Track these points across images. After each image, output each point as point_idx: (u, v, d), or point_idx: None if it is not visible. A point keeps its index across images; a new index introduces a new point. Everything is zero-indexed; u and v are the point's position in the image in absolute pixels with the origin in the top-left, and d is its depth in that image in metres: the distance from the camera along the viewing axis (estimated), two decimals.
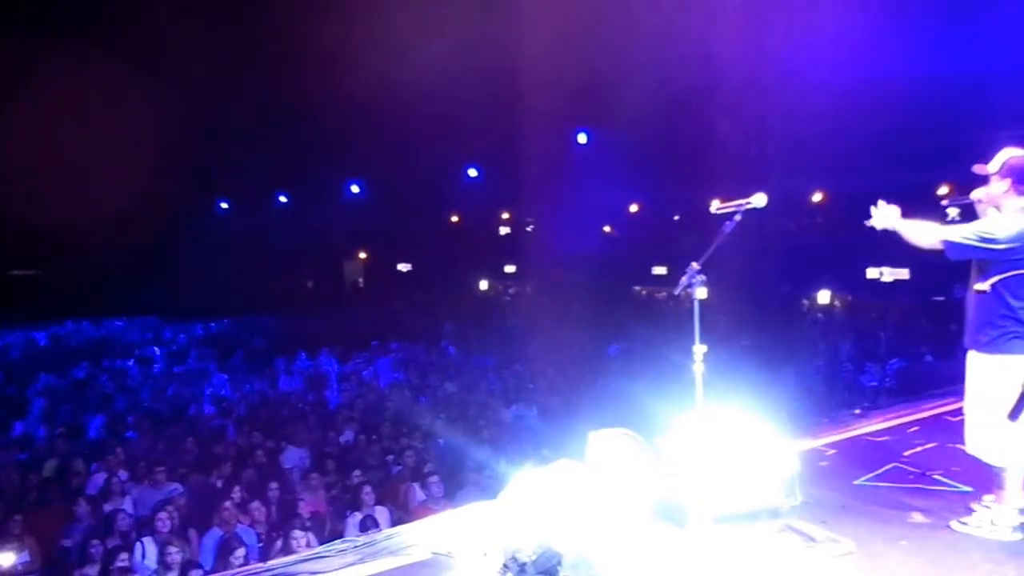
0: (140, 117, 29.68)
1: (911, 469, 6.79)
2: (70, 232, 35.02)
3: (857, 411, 8.92)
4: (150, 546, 9.02)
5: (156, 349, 26.25)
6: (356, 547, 5.39)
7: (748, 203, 5.21)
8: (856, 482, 6.48)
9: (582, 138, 32.35)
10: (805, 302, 28.45)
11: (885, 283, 30.10)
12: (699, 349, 5.31)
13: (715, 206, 5.39)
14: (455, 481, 10.81)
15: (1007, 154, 5.26)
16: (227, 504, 9.47)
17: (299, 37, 24.99)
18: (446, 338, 24.81)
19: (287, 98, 30.00)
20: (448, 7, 22.73)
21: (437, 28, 23.23)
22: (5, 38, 26.13)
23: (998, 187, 5.25)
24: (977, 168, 5.39)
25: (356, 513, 9.64)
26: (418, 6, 22.69)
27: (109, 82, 28.61)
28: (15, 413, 16.74)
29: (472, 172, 39.96)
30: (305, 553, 8.27)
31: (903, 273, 29.87)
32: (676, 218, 36.01)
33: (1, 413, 16.60)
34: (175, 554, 8.43)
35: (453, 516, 5.63)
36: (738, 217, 5.22)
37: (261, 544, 9.29)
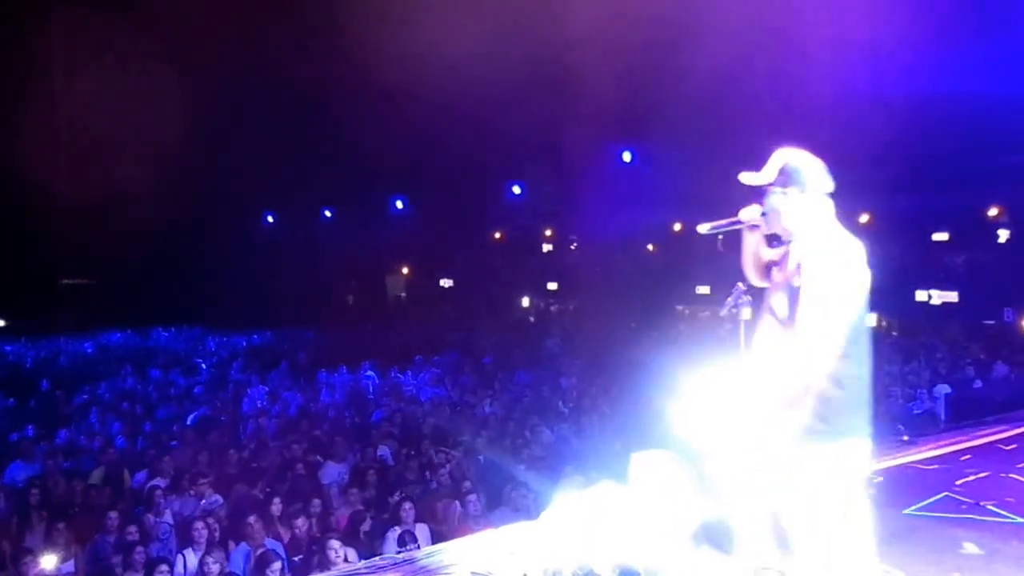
0: (190, 131, 29.99)
1: (963, 499, 6.61)
2: (120, 243, 35.42)
3: (906, 438, 8.74)
4: (191, 557, 9.05)
5: (201, 361, 26.40)
6: (395, 564, 5.35)
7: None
8: (906, 511, 6.34)
9: (627, 156, 32.27)
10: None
11: (934, 306, 29.79)
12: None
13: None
14: (494, 499, 10.76)
15: (781, 155, 4.27)
16: (252, 519, 9.46)
17: (348, 56, 25.14)
18: (487, 354, 24.76)
19: (335, 114, 30.20)
20: (494, 25, 22.76)
21: (483, 46, 23.26)
22: (66, 62, 26.57)
23: (777, 201, 4.23)
24: (744, 177, 4.30)
25: (396, 528, 9.60)
26: (465, 24, 22.73)
27: (160, 97, 28.94)
28: (61, 421, 16.88)
29: (516, 189, 39.99)
30: (344, 567, 8.29)
31: (951, 296, 29.53)
32: (720, 237, 35.78)
33: (47, 420, 16.72)
34: (213, 565, 8.44)
35: (493, 535, 5.57)
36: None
37: (300, 558, 9.28)
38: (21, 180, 31.40)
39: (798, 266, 4.03)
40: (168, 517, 10.41)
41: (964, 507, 6.44)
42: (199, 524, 9.44)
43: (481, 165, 34.98)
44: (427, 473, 12.29)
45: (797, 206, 4.15)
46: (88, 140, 30.89)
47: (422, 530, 9.66)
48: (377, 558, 5.84)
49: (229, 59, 27.57)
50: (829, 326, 3.85)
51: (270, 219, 49.07)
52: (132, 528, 9.73)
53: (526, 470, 11.70)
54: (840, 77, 23.78)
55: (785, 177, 4.18)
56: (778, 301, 4.16)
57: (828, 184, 4.20)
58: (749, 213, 4.41)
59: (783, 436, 3.98)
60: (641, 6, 22.44)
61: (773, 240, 4.40)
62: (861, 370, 4.05)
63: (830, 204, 4.19)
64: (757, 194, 4.30)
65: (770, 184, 4.23)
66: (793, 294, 4.00)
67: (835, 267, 3.94)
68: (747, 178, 4.27)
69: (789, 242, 4.23)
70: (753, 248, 4.50)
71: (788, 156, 4.24)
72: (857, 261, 4.04)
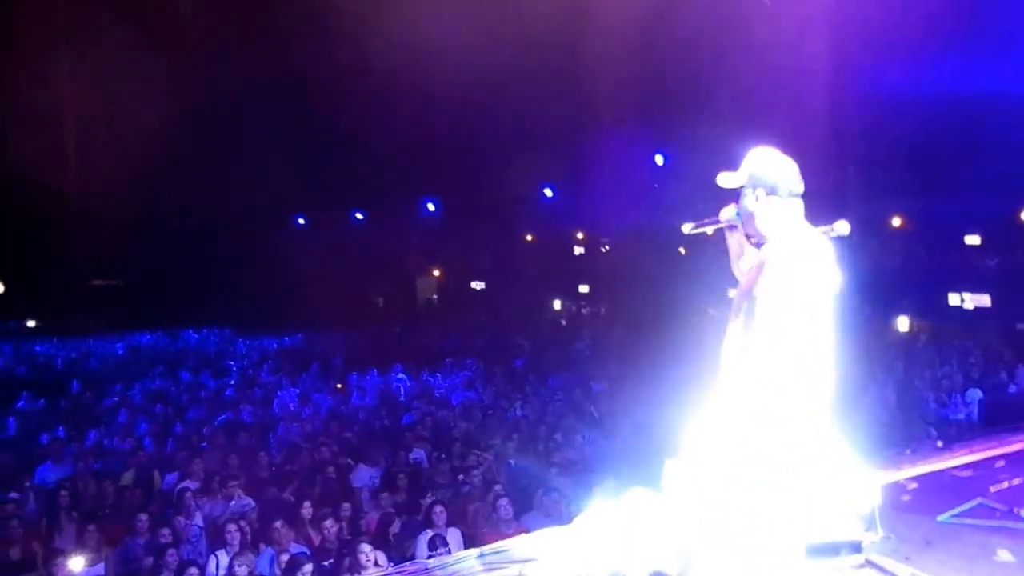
0: (222, 134, 30.16)
1: (997, 506, 6.48)
2: (151, 244, 35.68)
3: (940, 444, 8.64)
4: (222, 559, 9.05)
5: (232, 363, 26.49)
6: (426, 570, 5.31)
7: (831, 230, 4.98)
8: (940, 518, 6.25)
9: (659, 159, 32.18)
10: (884, 328, 27.86)
11: (967, 309, 29.51)
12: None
13: None
14: (524, 503, 10.71)
15: (752, 156, 4.14)
16: (279, 523, 9.47)
17: (382, 59, 25.19)
18: (518, 357, 24.71)
19: (367, 117, 30.28)
20: (528, 29, 22.75)
21: (516, 50, 23.26)
22: (95, 59, 26.74)
23: (749, 202, 4.08)
24: (721, 179, 4.16)
25: (428, 531, 9.58)
26: (497, 29, 22.74)
27: (194, 102, 29.12)
28: (92, 422, 16.96)
29: (548, 192, 40.03)
30: (374, 572, 8.27)
31: (984, 299, 29.25)
32: (753, 240, 35.65)
33: (78, 422, 16.80)
34: (240, 568, 8.43)
35: (524, 541, 5.52)
36: None
37: (330, 562, 9.26)
38: (54, 182, 31.68)
39: (758, 272, 3.92)
40: (199, 519, 10.43)
41: (998, 514, 6.33)
42: (231, 527, 9.45)
43: (513, 168, 35.00)
44: (458, 476, 12.25)
45: (764, 208, 4.02)
46: (122, 144, 31.09)
47: (453, 534, 9.63)
48: (408, 564, 5.79)
49: (263, 64, 27.69)
50: (781, 339, 3.71)
51: (301, 222, 49.27)
52: (164, 531, 9.76)
53: (557, 475, 11.64)
54: (874, 80, 23.63)
55: (754, 178, 4.05)
56: (737, 305, 4.05)
57: (797, 186, 4.05)
58: (727, 213, 4.33)
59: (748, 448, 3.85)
60: (677, 10, 22.38)
61: (759, 241, 4.24)
62: (819, 383, 3.86)
63: (799, 206, 4.05)
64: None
65: (742, 185, 4.10)
66: (751, 301, 3.89)
67: (792, 277, 3.77)
68: (723, 179, 4.14)
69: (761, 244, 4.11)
70: (736, 248, 4.40)
71: (758, 156, 4.11)
72: (820, 269, 3.86)
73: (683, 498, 4.44)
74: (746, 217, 4.12)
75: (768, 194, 3.99)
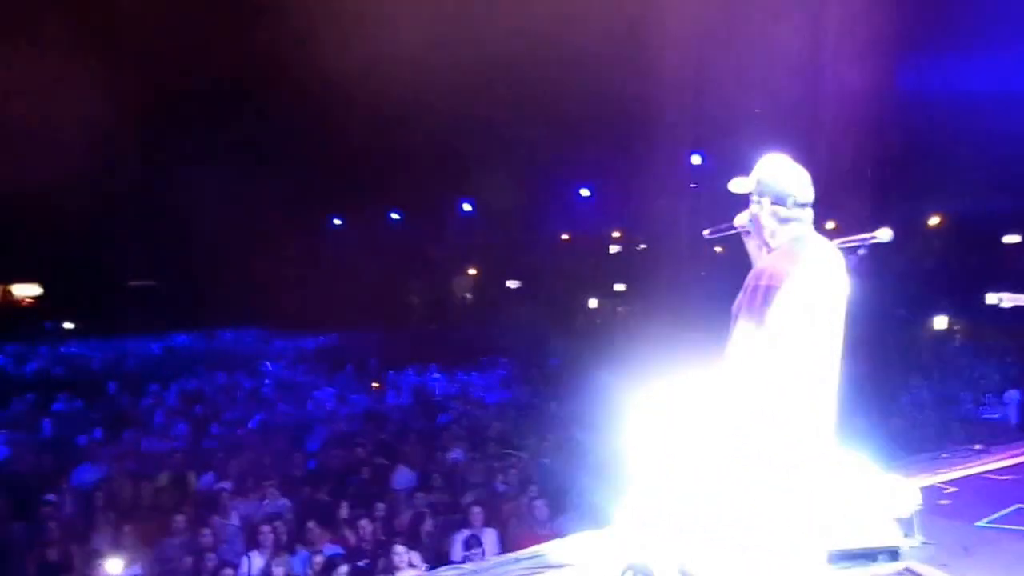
0: (257, 134, 30.28)
1: None
2: (187, 245, 35.87)
3: (978, 447, 8.51)
4: (256, 560, 9.06)
5: (268, 363, 26.53)
6: (462, 574, 5.26)
7: (873, 237, 4.85)
8: (978, 524, 6.12)
9: (696, 159, 32.00)
10: (921, 328, 27.55)
11: (1004, 309, 29.10)
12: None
13: (837, 241, 5.00)
14: (559, 505, 10.67)
15: (762, 163, 4.13)
16: (311, 524, 9.48)
17: (414, 58, 25.18)
18: (554, 356, 24.65)
19: (402, 116, 30.28)
20: (563, 28, 22.67)
21: (552, 49, 23.19)
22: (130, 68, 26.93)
23: (756, 209, 4.07)
24: (733, 184, 4.18)
25: (464, 531, 9.56)
26: (533, 28, 22.67)
27: (221, 98, 29.25)
28: (128, 423, 17.06)
29: (584, 192, 40.05)
30: (410, 574, 8.25)
31: (1023, 299, 28.85)
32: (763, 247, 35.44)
33: (114, 423, 16.90)
34: (276, 569, 8.44)
35: (559, 546, 5.46)
36: (862, 251, 4.84)
37: (366, 562, 9.25)
38: (89, 183, 31.90)
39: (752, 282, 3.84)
40: (235, 520, 10.45)
41: None
42: (265, 528, 9.46)
43: (549, 166, 34.99)
44: (494, 477, 12.22)
45: (768, 216, 3.98)
46: (151, 145, 31.33)
47: (489, 535, 9.61)
48: (443, 569, 5.75)
49: (293, 62, 27.74)
50: (751, 359, 3.67)
51: (337, 222, 49.47)
52: (205, 531, 9.79)
53: (592, 476, 11.54)
54: (912, 78, 23.42)
55: (761, 186, 4.02)
56: (735, 314, 3.92)
57: (805, 195, 3.99)
58: (741, 219, 4.28)
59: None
60: (718, 9, 22.29)
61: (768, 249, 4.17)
62: (812, 391, 3.80)
63: (807, 216, 3.99)
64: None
65: (750, 192, 4.07)
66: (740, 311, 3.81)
67: (775, 292, 3.70)
68: (735, 185, 4.13)
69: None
70: (755, 253, 4.28)
71: (767, 164, 4.07)
72: (812, 285, 3.79)
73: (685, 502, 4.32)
74: (753, 224, 4.09)
75: (773, 202, 3.95)
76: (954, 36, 22.11)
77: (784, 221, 3.94)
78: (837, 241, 4.53)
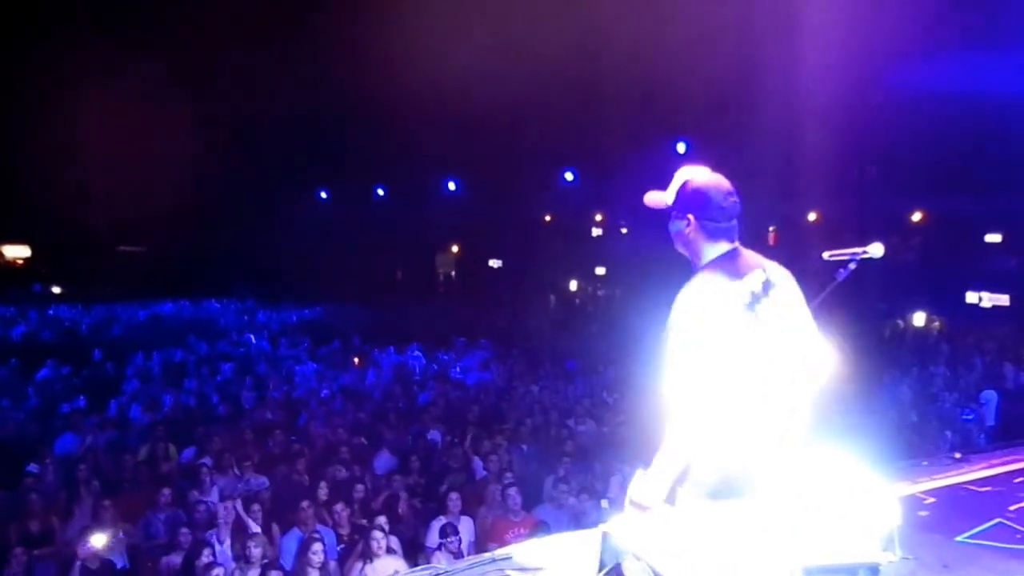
0: (245, 107, 30.24)
1: (1017, 527, 6.22)
2: (177, 212, 35.83)
3: (957, 455, 8.49)
4: (227, 538, 9.13)
5: (252, 336, 26.44)
6: (437, 575, 5.30)
7: (864, 252, 4.84)
8: (958, 539, 5.98)
9: (681, 147, 32.07)
10: (900, 323, 27.60)
11: (984, 308, 29.26)
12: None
13: (827, 254, 4.97)
14: (535, 493, 10.74)
15: (682, 176, 3.90)
16: (306, 504, 9.52)
17: (401, 37, 25.19)
18: (533, 338, 24.61)
19: (390, 93, 30.29)
20: (548, 12, 22.71)
21: (538, 32, 23.21)
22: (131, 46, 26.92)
23: (678, 226, 3.88)
24: (649, 198, 4.00)
25: (441, 518, 9.60)
26: (519, 11, 22.69)
27: (213, 75, 29.22)
28: (112, 391, 17.04)
29: (568, 176, 40.13)
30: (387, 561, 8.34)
31: (1003, 299, 28.99)
32: (772, 229, 35.56)
33: (99, 391, 16.88)
34: (255, 549, 8.45)
35: (540, 545, 5.50)
36: (852, 266, 4.79)
37: (343, 546, 9.34)
38: (80, 149, 31.84)
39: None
40: (214, 496, 10.49)
41: (1018, 536, 6.07)
42: (245, 506, 9.55)
43: (535, 151, 35.03)
44: (471, 461, 12.23)
45: (687, 232, 3.84)
46: (143, 117, 31.28)
47: (465, 523, 9.65)
48: (418, 570, 5.80)
49: (289, 38, 27.74)
50: (682, 381, 3.60)
51: (324, 195, 49.50)
52: (199, 506, 9.87)
53: (569, 463, 11.55)
54: (897, 76, 23.52)
55: (679, 200, 3.86)
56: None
57: (723, 210, 3.81)
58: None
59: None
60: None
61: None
62: (744, 430, 3.73)
63: (728, 230, 3.84)
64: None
65: (668, 207, 3.92)
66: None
67: (697, 314, 3.61)
68: (649, 198, 3.99)
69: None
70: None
71: (685, 177, 3.88)
72: (739, 305, 3.67)
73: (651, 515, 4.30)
74: (679, 241, 3.93)
75: (694, 217, 3.80)
76: (937, 35, 22.23)
77: (712, 236, 3.82)
78: (828, 254, 4.57)
